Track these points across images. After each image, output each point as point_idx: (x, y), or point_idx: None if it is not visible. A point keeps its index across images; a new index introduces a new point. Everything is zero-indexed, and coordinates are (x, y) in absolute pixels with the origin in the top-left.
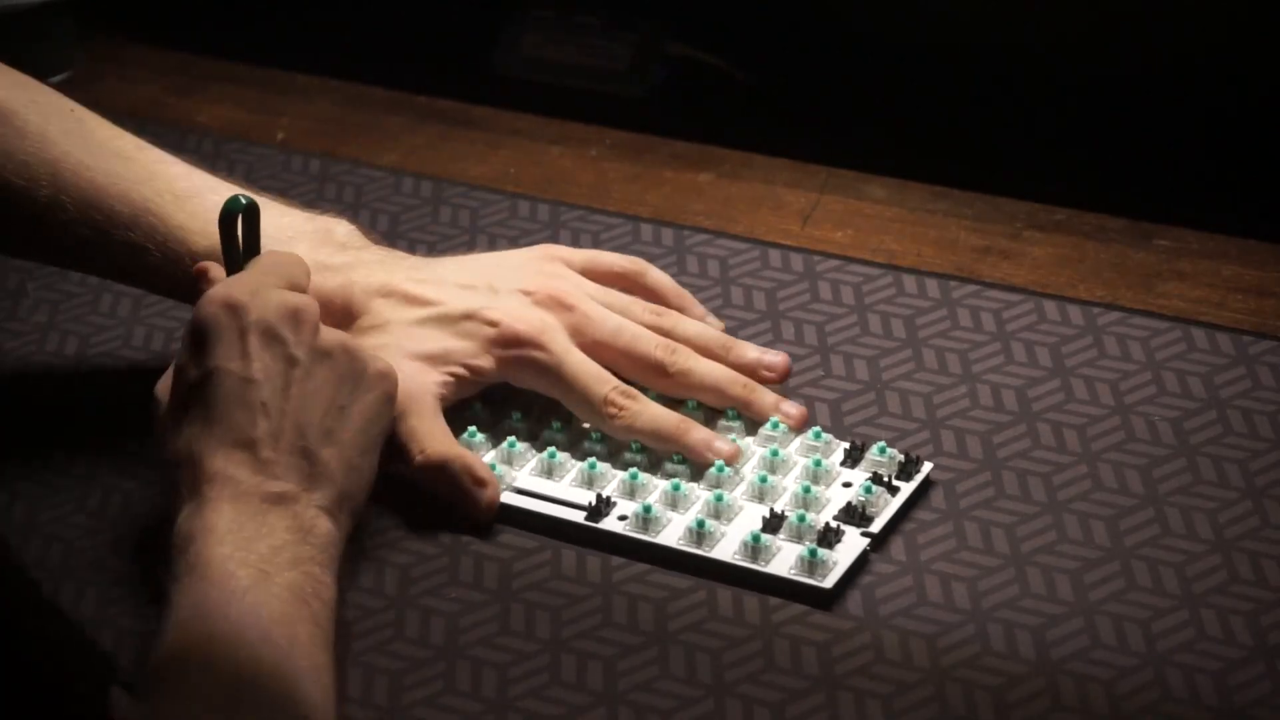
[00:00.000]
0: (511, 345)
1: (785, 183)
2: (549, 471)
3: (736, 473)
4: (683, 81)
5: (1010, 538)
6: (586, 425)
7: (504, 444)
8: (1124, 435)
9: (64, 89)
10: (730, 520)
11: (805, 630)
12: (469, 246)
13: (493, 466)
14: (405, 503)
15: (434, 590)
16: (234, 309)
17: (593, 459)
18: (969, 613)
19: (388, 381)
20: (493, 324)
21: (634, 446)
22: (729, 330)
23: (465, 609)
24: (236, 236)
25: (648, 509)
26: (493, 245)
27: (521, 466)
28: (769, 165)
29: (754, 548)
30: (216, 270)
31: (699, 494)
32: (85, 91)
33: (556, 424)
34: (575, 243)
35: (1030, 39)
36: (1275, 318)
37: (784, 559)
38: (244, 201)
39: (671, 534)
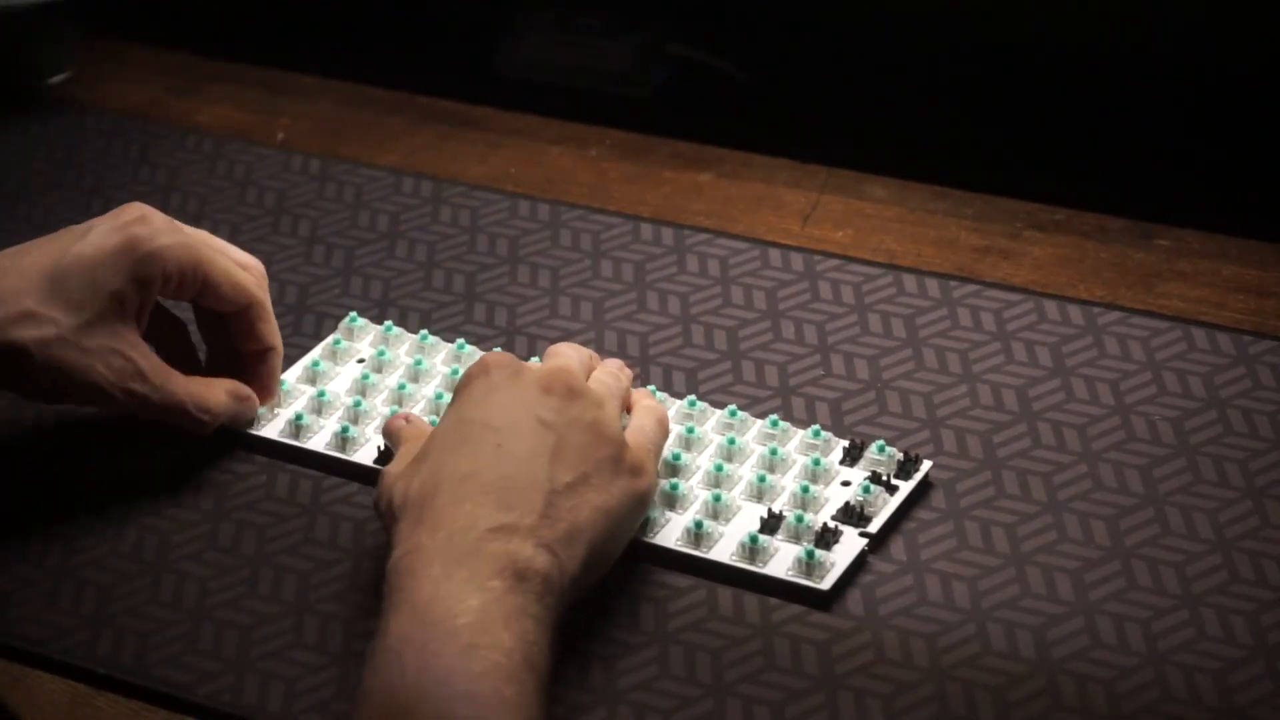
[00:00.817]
0: (147, 238)
1: (785, 183)
2: None
3: (735, 472)
4: (683, 81)
5: (1010, 538)
6: None
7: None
8: (1124, 435)
9: (64, 89)
10: (728, 520)
11: (805, 630)
12: (469, 247)
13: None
14: None
15: None
16: (496, 365)
17: None
18: (969, 612)
19: (643, 483)
20: (121, 227)
21: None
22: (731, 330)
23: None
24: None
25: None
26: (493, 245)
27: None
28: (769, 165)
29: (751, 549)
30: (415, 417)
31: (698, 493)
32: (85, 91)
33: None
34: (575, 243)
35: (1030, 39)
36: (1275, 318)
37: (781, 560)
38: None
39: (669, 535)
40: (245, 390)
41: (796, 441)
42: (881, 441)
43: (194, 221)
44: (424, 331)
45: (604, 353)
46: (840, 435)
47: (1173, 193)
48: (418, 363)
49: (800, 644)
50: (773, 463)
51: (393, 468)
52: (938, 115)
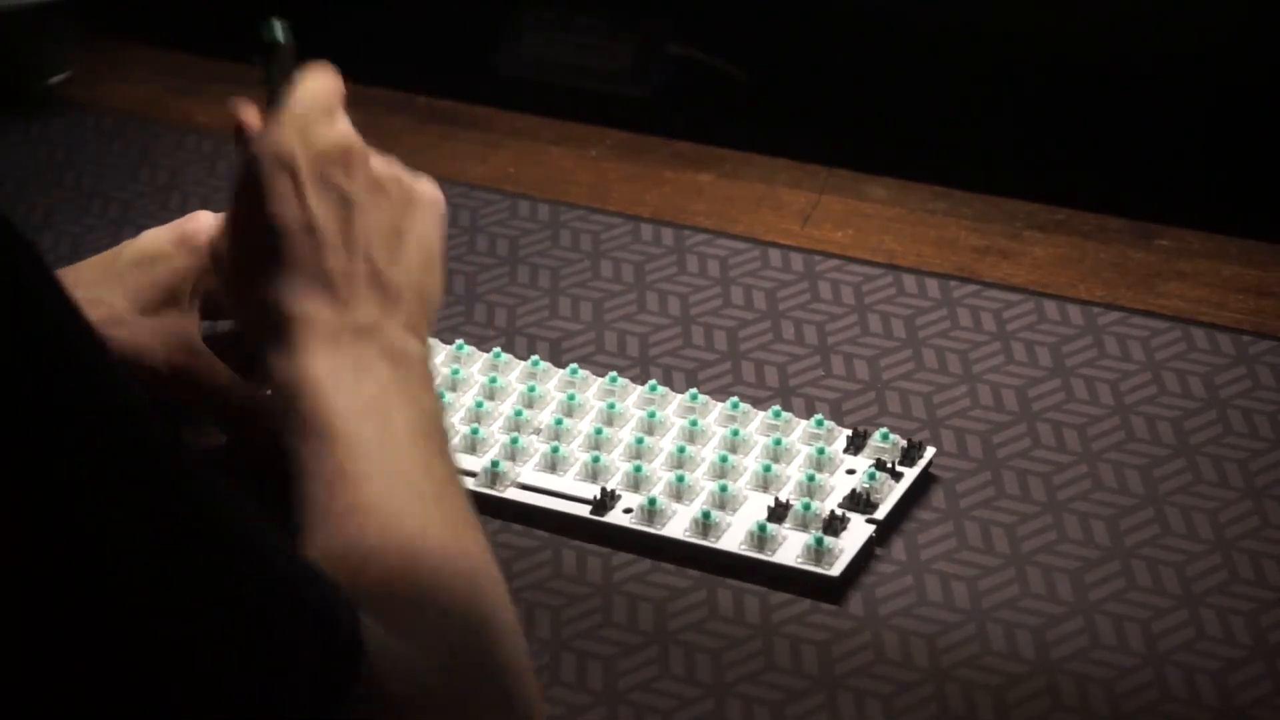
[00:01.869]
0: (199, 232)
1: (785, 183)
2: (552, 466)
3: (740, 462)
4: (683, 81)
5: (1010, 538)
6: (591, 421)
7: (506, 439)
8: (1124, 435)
9: (64, 89)
10: (735, 510)
11: (805, 630)
12: (469, 247)
13: (495, 464)
14: None
15: None
16: (285, 159)
17: (596, 452)
18: (969, 613)
19: (438, 202)
20: (175, 225)
21: (636, 439)
22: (731, 330)
23: None
24: (276, 66)
25: (653, 501)
26: (493, 245)
27: (525, 462)
28: (769, 165)
29: (760, 537)
30: (252, 113)
31: (703, 485)
32: (85, 91)
33: (559, 418)
34: (575, 243)
35: (1031, 39)
36: (1275, 318)
37: (790, 548)
38: (279, 26)
39: (677, 526)
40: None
41: (800, 431)
42: (885, 429)
43: None
44: None
45: (604, 353)
46: (913, 438)
47: (1173, 193)
48: None
49: (800, 644)
50: (777, 452)
51: (234, 260)
52: (938, 115)
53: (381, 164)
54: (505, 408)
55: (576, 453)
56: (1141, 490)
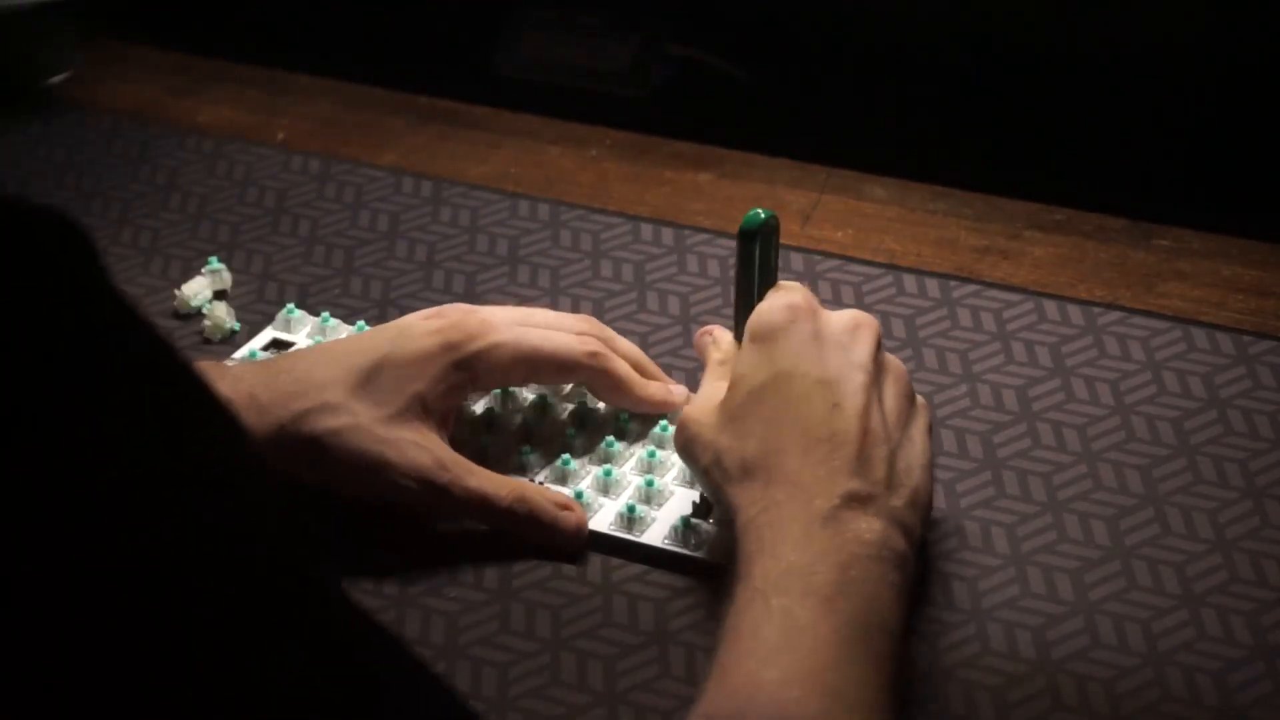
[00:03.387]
0: (457, 345)
1: (785, 183)
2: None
3: (668, 458)
4: (683, 81)
5: (1010, 538)
6: (522, 414)
7: (641, 482)
8: (1124, 435)
9: (64, 89)
10: (661, 505)
11: None
12: (469, 247)
13: (579, 494)
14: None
15: (434, 590)
16: (800, 313)
17: (566, 456)
18: (969, 613)
19: (929, 411)
20: (434, 331)
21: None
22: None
23: (465, 609)
24: (755, 256)
25: (579, 495)
26: (493, 245)
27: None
28: (769, 165)
29: (684, 532)
30: (721, 332)
31: (630, 479)
32: (85, 91)
33: (492, 409)
34: (575, 243)
35: (1030, 39)
36: (1275, 318)
37: (713, 543)
38: (763, 217)
39: (603, 519)
40: (566, 500)
41: None
42: None
43: (194, 222)
44: None
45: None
46: None
47: (1173, 193)
48: None
49: None
50: None
51: (701, 413)
52: (938, 115)
53: (891, 356)
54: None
55: (508, 446)
56: (1141, 490)
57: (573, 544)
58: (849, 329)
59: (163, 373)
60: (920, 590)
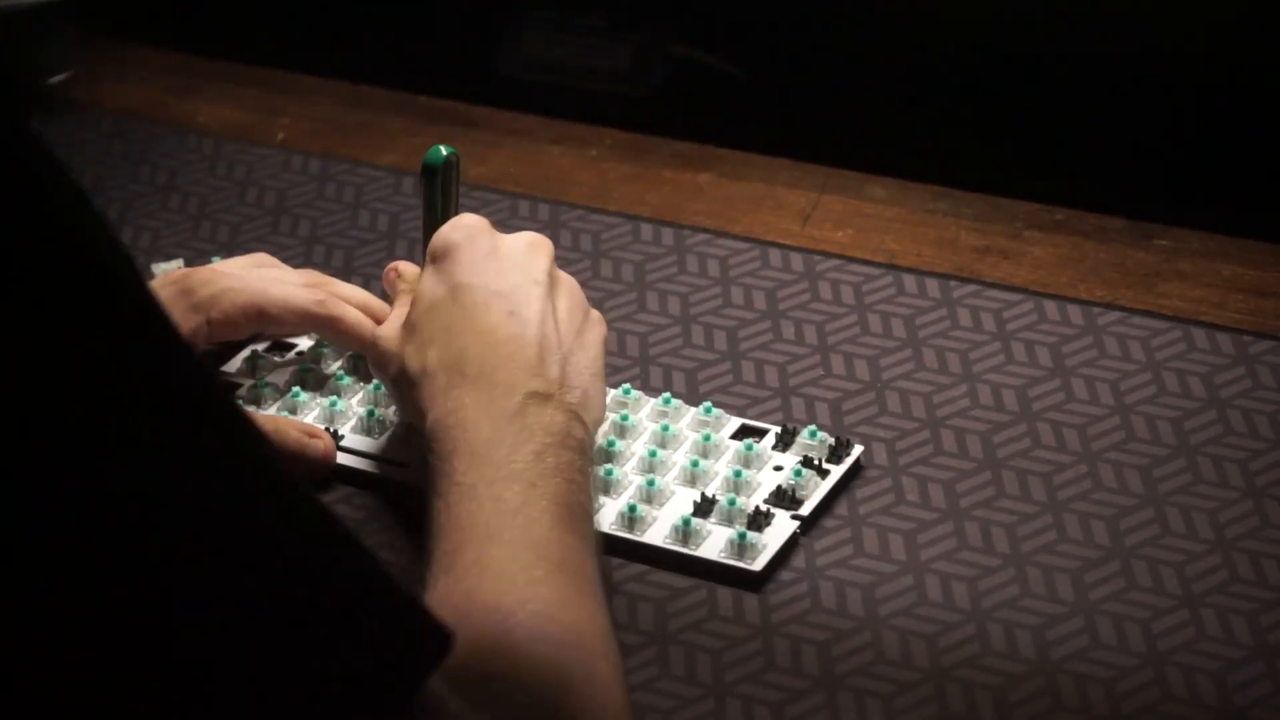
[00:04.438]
0: (190, 292)
1: (785, 183)
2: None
3: (669, 458)
4: (683, 81)
5: (1010, 538)
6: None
7: (363, 412)
8: (1124, 435)
9: (64, 89)
10: (662, 505)
11: (805, 630)
12: None
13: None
14: (403, 503)
15: None
16: (477, 232)
17: None
18: (969, 613)
19: (603, 323)
20: (172, 282)
21: None
22: (731, 330)
23: None
24: (438, 190)
25: None
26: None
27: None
28: (769, 165)
29: (685, 532)
30: (406, 266)
31: (631, 479)
32: (85, 91)
33: None
34: (575, 243)
35: (1030, 39)
36: (1275, 318)
37: (714, 543)
38: (445, 153)
39: (604, 519)
40: (314, 429)
41: (730, 428)
42: (813, 427)
43: (194, 222)
44: None
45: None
46: (841, 435)
47: (1173, 193)
48: None
49: (800, 644)
50: (706, 448)
51: (387, 330)
52: (938, 115)
53: (563, 272)
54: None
55: None
56: (1141, 490)
57: (321, 471)
58: (524, 248)
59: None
60: (920, 590)
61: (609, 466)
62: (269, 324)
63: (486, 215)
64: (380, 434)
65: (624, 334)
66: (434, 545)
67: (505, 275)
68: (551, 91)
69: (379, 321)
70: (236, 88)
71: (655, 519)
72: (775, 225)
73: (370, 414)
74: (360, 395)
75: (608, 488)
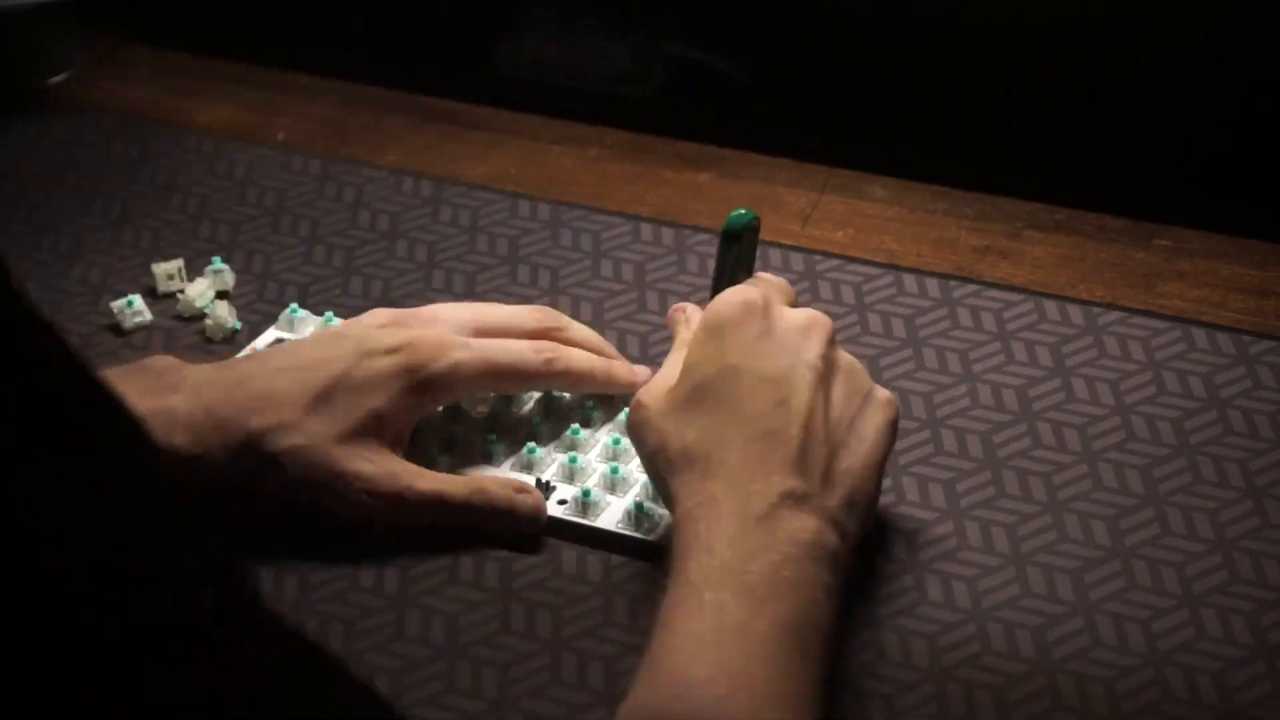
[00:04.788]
0: (418, 368)
1: (785, 183)
2: (489, 457)
3: None
4: (683, 81)
5: (1010, 537)
6: (525, 409)
7: (606, 469)
8: (1124, 435)
9: (64, 89)
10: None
11: None
12: (469, 246)
13: (432, 454)
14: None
15: (434, 590)
16: (754, 310)
17: (531, 444)
18: (969, 612)
19: (893, 408)
20: (393, 350)
21: (573, 430)
22: None
23: (465, 608)
24: (732, 254)
25: (587, 493)
26: (493, 245)
27: (461, 454)
28: (769, 165)
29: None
30: (694, 310)
31: (637, 477)
32: (85, 91)
33: (495, 409)
34: (575, 243)
35: (1030, 39)
36: (1275, 318)
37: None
38: (746, 217)
39: (610, 517)
40: (521, 484)
41: None
42: None
43: (194, 222)
44: None
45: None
46: None
47: (1173, 193)
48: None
49: None
50: None
51: (651, 396)
52: (938, 115)
53: (845, 353)
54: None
55: (513, 444)
56: (1141, 490)
57: (532, 526)
58: (801, 328)
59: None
60: (920, 590)
61: (615, 464)
62: (501, 389)
63: (486, 215)
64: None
65: (624, 334)
66: (649, 641)
67: (778, 359)
68: (551, 91)
69: (604, 356)
70: (236, 88)
71: (662, 517)
72: (775, 225)
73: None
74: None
75: (614, 486)
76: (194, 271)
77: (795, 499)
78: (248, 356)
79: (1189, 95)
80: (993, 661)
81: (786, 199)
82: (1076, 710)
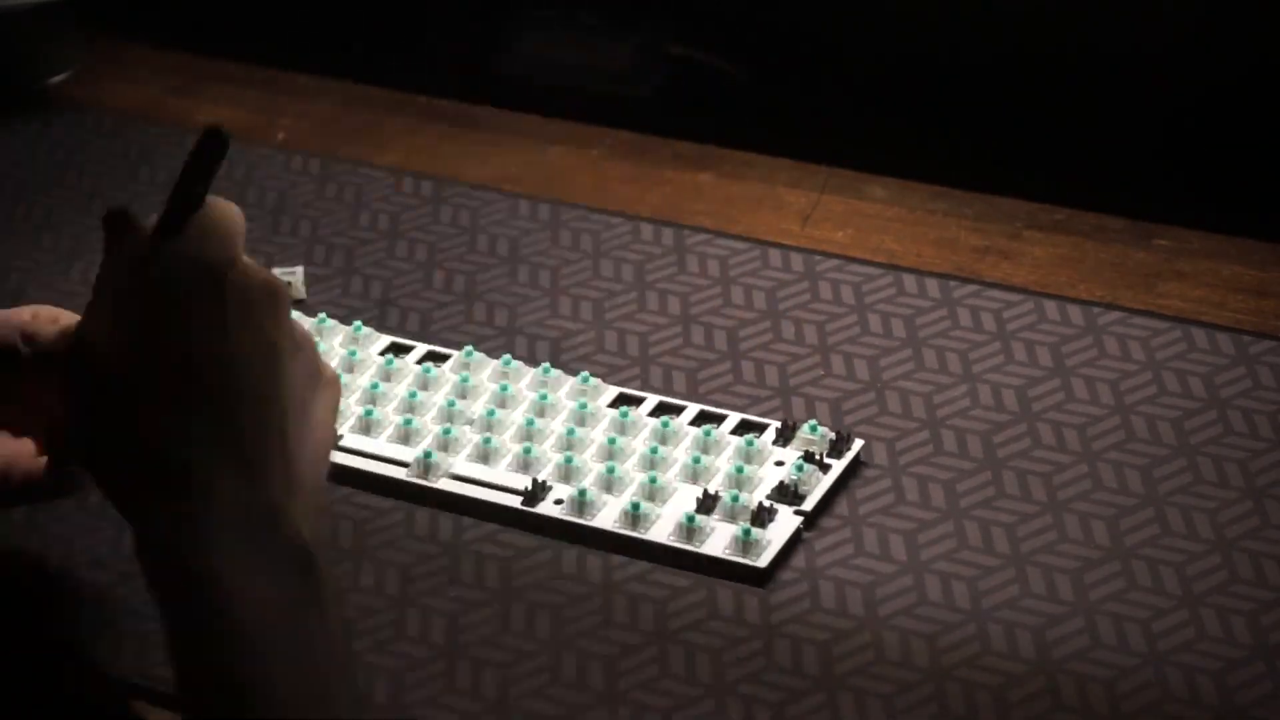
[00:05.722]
0: None
1: (785, 183)
2: (485, 458)
3: (670, 454)
4: (683, 81)
5: (1010, 538)
6: (523, 412)
7: (439, 430)
8: (1124, 435)
9: (64, 89)
10: (664, 502)
11: (805, 630)
12: (469, 246)
13: (428, 454)
14: (403, 503)
15: (434, 590)
16: (214, 277)
17: (528, 443)
18: (969, 613)
19: (338, 386)
20: None
21: (568, 430)
22: (731, 330)
23: (465, 609)
24: (204, 169)
25: (583, 493)
26: (493, 245)
27: (457, 453)
28: (769, 165)
29: (688, 529)
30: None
31: (634, 476)
32: (85, 91)
33: (491, 409)
34: (575, 243)
35: (1029, 39)
36: (1275, 318)
37: (718, 539)
38: (225, 133)
39: (607, 517)
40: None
41: (730, 423)
42: (814, 421)
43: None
44: (468, 351)
45: (604, 353)
46: (841, 430)
47: (1173, 193)
48: (427, 371)
49: (800, 644)
50: (707, 444)
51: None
52: (938, 115)
53: (300, 325)
54: (438, 398)
55: (508, 444)
56: (1141, 490)
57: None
58: (267, 297)
59: None
60: (920, 590)
61: (611, 464)
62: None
63: (486, 215)
64: (378, 434)
65: (624, 334)
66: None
67: (238, 343)
68: (551, 91)
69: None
70: (236, 88)
71: (658, 516)
72: (775, 225)
73: (368, 413)
74: (357, 395)
75: (610, 485)
76: None
77: (271, 519)
78: None
79: (1189, 95)
80: (993, 661)
81: (786, 199)
82: (1076, 710)
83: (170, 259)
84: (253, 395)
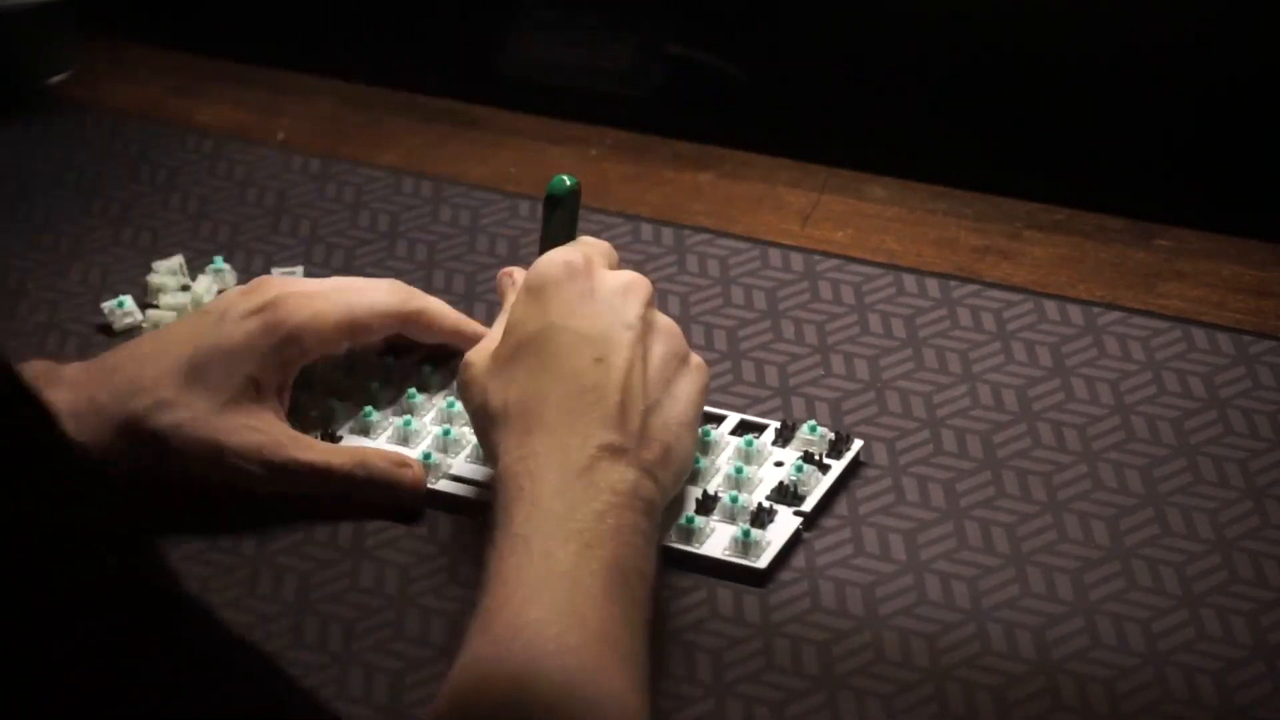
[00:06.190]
0: (280, 323)
1: (785, 183)
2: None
3: None
4: (683, 81)
5: (1010, 538)
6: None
7: (439, 431)
8: (1124, 435)
9: (64, 89)
10: None
11: (805, 630)
12: (469, 246)
13: (428, 455)
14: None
15: (434, 590)
16: (575, 270)
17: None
18: (969, 612)
19: (705, 372)
20: (255, 311)
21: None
22: (731, 330)
23: (465, 608)
24: (556, 218)
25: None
26: (493, 245)
27: (457, 454)
28: (769, 165)
29: (688, 530)
30: (521, 273)
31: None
32: (85, 91)
33: None
34: None
35: (1029, 39)
36: (1275, 318)
37: (718, 540)
38: (569, 183)
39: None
40: (403, 457)
41: (729, 424)
42: (813, 422)
43: (194, 222)
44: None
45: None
46: (840, 430)
47: (1173, 193)
48: (432, 371)
49: (800, 644)
50: (705, 445)
51: (478, 356)
52: (938, 115)
53: (663, 316)
54: (438, 399)
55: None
56: (1141, 490)
57: (413, 499)
58: (621, 289)
59: None
60: (920, 590)
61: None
62: (362, 334)
63: (486, 215)
64: (378, 435)
65: None
66: (480, 596)
67: (597, 319)
68: (551, 91)
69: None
70: (236, 88)
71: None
72: (775, 225)
73: (367, 414)
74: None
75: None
76: (195, 271)
77: (613, 451)
78: (118, 347)
79: (1189, 95)
80: (993, 661)
81: (786, 199)
82: (1076, 710)
83: (546, 262)
84: (610, 363)
